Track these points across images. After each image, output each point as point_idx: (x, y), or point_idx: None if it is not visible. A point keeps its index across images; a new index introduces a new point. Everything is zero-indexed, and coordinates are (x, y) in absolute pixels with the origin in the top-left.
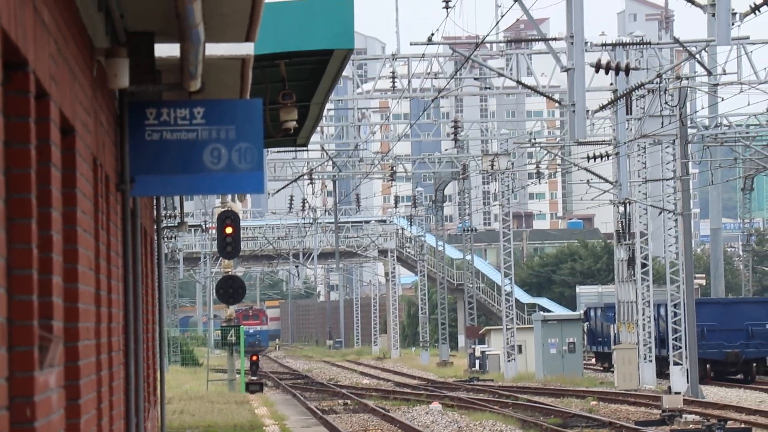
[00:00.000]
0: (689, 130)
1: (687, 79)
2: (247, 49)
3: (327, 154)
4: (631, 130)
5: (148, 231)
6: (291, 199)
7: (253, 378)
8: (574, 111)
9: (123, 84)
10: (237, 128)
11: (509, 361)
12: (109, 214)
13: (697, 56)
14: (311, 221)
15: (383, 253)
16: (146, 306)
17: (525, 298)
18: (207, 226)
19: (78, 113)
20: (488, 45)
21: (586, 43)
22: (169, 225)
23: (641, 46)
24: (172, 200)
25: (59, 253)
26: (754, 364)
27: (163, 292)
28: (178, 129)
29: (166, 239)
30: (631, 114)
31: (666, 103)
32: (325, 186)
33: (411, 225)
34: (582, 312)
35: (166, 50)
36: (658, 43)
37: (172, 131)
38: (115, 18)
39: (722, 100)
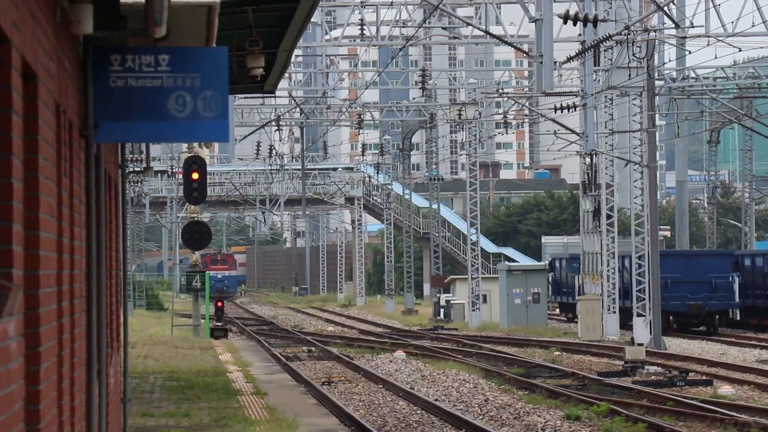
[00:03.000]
0: (656, 83)
1: (655, 31)
2: None
3: (294, 101)
4: (598, 81)
5: (113, 176)
6: (258, 146)
7: (217, 324)
8: (541, 62)
9: (87, 30)
10: (202, 76)
11: (474, 310)
12: (72, 161)
13: (665, 9)
14: (278, 168)
15: (350, 200)
16: (110, 252)
17: (490, 247)
18: (174, 171)
19: (40, 59)
20: None
21: None
22: (135, 170)
23: None
24: (138, 145)
25: (20, 200)
26: (717, 317)
27: (127, 237)
28: (143, 76)
29: (132, 183)
30: (598, 65)
31: (634, 55)
32: (293, 133)
33: (378, 173)
34: (547, 262)
35: None
36: None
37: (137, 78)
38: None
39: (689, 52)
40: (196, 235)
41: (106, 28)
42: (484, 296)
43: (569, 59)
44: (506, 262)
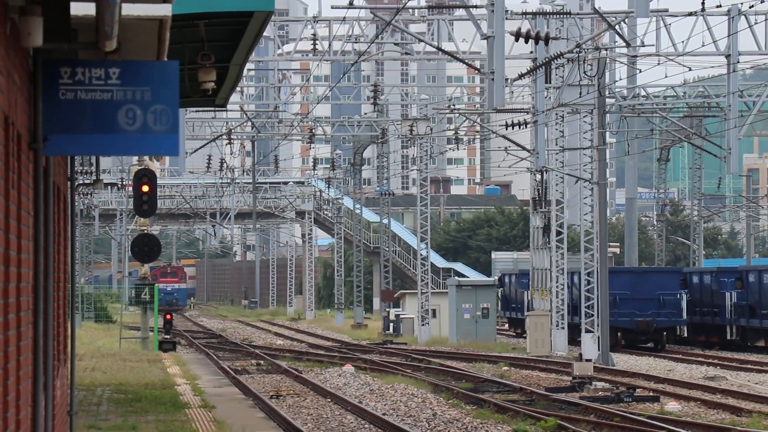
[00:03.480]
0: (607, 101)
1: (606, 49)
2: (164, 9)
3: (246, 114)
4: (549, 98)
5: (62, 189)
6: (209, 159)
7: (166, 336)
8: (493, 79)
9: (37, 43)
10: (153, 90)
11: (423, 325)
12: (20, 173)
13: (617, 27)
14: (229, 181)
15: (300, 214)
16: (57, 264)
17: (441, 262)
18: (124, 183)
19: None
20: (410, 10)
21: (507, 11)
22: (85, 182)
23: (562, 16)
24: (88, 157)
25: None
26: (665, 333)
27: (75, 249)
28: (92, 89)
29: (81, 195)
30: (550, 83)
31: (585, 73)
32: (244, 146)
33: (329, 187)
34: (497, 278)
35: (81, 9)
36: (578, 14)
37: (87, 91)
38: None
39: (640, 71)
40: (145, 248)
41: (57, 41)
42: (434, 311)
43: (521, 76)
44: (456, 278)
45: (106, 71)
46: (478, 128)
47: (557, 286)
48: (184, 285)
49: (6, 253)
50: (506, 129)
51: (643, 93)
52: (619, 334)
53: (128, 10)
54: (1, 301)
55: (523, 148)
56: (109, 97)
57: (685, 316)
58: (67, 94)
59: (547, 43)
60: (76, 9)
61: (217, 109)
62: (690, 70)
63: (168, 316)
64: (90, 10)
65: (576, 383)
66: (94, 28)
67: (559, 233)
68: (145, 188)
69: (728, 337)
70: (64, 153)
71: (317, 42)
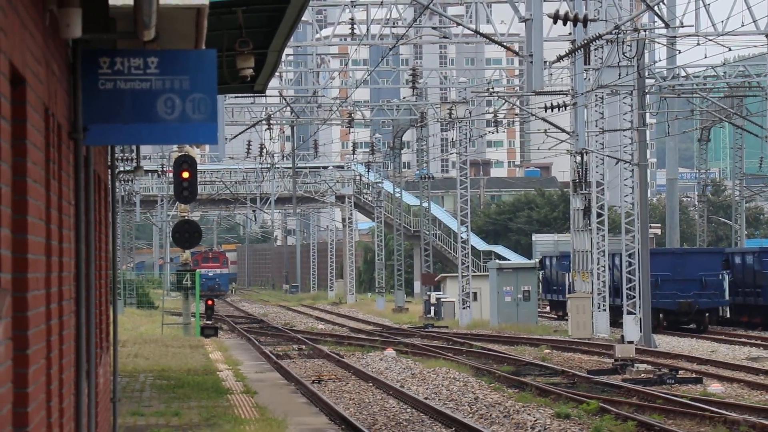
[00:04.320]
0: (647, 81)
1: (645, 30)
2: None
3: (285, 100)
4: (589, 80)
5: (102, 177)
6: (249, 144)
7: (208, 322)
8: (532, 61)
9: (75, 34)
10: (191, 79)
11: (464, 308)
12: (61, 163)
13: (656, 8)
14: (269, 166)
15: (340, 198)
16: (99, 252)
17: (481, 245)
18: (164, 169)
19: (29, 64)
20: None
21: None
22: (126, 169)
23: None
24: (129, 144)
25: (8, 204)
26: (707, 314)
27: (117, 237)
28: (131, 78)
29: (122, 182)
30: (589, 65)
31: (624, 54)
32: (283, 131)
33: (369, 171)
34: (537, 260)
35: None
36: None
37: (126, 80)
38: None
39: (679, 52)
40: (186, 234)
41: (95, 31)
42: (475, 294)
43: (559, 58)
44: (497, 260)
45: (145, 60)
46: (517, 111)
47: (598, 268)
48: (225, 270)
49: (47, 243)
50: (545, 111)
51: (682, 73)
52: (661, 315)
53: None
54: (43, 291)
55: (563, 130)
56: (147, 86)
57: (727, 296)
58: (107, 83)
59: (585, 25)
60: None
61: (256, 94)
62: (730, 50)
63: (210, 302)
64: (128, 0)
65: (618, 365)
66: (132, 17)
67: (599, 215)
68: (186, 174)
69: None
70: (103, 143)
71: (355, 26)
